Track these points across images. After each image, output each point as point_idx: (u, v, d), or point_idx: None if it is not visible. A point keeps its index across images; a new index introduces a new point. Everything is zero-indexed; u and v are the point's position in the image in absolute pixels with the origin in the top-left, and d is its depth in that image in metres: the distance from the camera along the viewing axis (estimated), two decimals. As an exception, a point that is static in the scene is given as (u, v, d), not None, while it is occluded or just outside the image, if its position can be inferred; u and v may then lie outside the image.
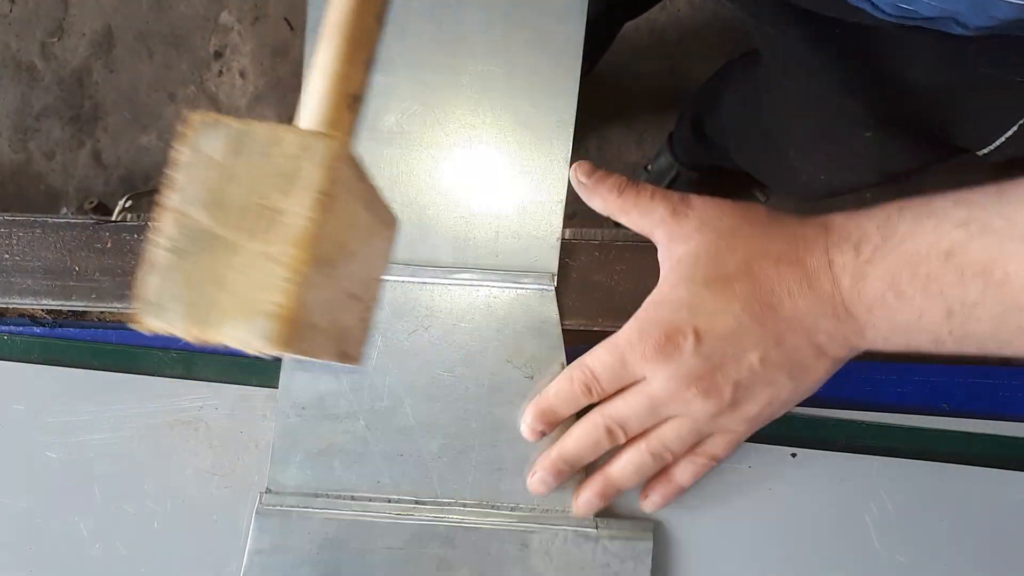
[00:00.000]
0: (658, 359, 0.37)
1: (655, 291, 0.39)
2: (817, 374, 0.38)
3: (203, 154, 0.28)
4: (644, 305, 0.39)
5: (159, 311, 0.29)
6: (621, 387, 0.40)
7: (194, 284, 0.28)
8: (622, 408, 0.39)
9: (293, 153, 0.27)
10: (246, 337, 0.28)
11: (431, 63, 0.44)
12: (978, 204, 0.34)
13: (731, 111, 0.86)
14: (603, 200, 0.42)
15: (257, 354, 0.28)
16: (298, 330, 0.27)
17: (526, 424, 0.42)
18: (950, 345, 0.36)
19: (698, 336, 0.37)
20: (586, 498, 0.42)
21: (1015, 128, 0.48)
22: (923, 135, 0.54)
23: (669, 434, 0.40)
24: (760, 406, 0.38)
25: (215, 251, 0.28)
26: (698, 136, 1.00)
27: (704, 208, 0.39)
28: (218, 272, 0.28)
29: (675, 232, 0.39)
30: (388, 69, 0.44)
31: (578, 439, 0.41)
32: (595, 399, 0.40)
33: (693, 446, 0.41)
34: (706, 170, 1.10)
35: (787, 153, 0.67)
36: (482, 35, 0.44)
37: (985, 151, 0.50)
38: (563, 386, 0.40)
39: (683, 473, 0.42)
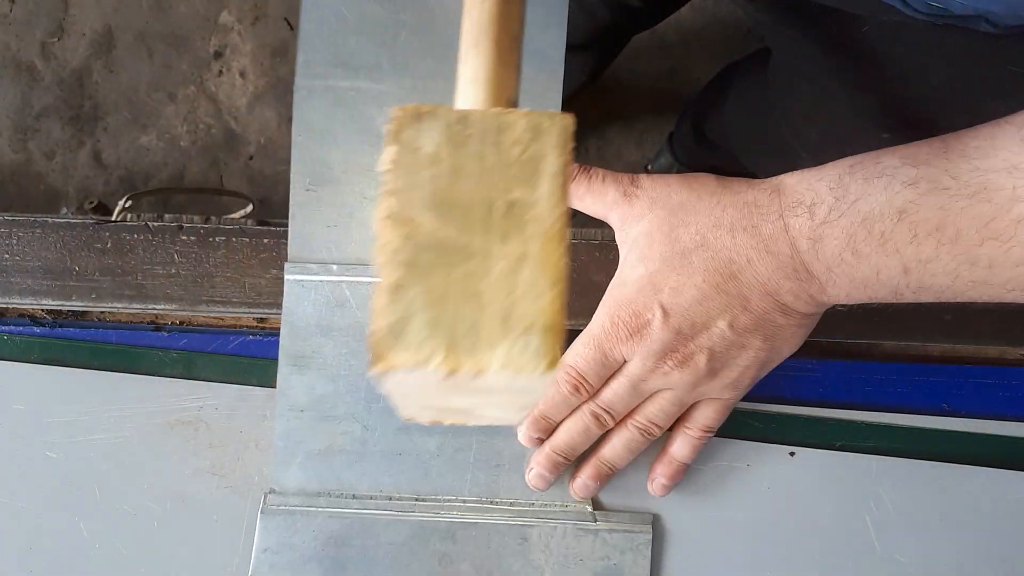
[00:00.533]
0: (632, 340, 0.38)
1: (616, 274, 0.39)
2: (789, 331, 0.39)
3: (419, 150, 0.24)
4: (608, 290, 0.39)
5: (406, 343, 0.23)
6: (608, 377, 0.40)
7: (442, 304, 0.23)
8: (606, 394, 0.40)
9: (526, 138, 0.24)
10: (518, 360, 0.23)
11: (419, 70, 0.45)
12: (925, 161, 0.34)
13: (735, 114, 0.86)
14: None
15: (527, 377, 0.23)
16: (563, 341, 0.23)
17: (522, 434, 0.42)
18: (909, 296, 0.37)
19: (665, 311, 0.37)
20: (582, 481, 0.42)
21: None
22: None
23: (653, 409, 0.40)
24: (739, 370, 0.39)
25: (459, 261, 0.23)
26: (699, 138, 0.99)
27: (653, 186, 0.39)
28: (469, 285, 0.23)
29: (628, 213, 0.39)
30: (376, 76, 0.45)
31: (568, 431, 0.41)
32: (585, 397, 0.40)
33: (681, 418, 0.41)
34: (707, 171, 1.10)
35: (799, 156, 0.67)
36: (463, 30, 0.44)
37: None
38: (551, 393, 0.40)
39: (680, 449, 0.42)
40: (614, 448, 0.42)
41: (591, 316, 0.45)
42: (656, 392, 0.40)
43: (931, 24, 0.42)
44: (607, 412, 0.40)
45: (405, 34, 0.45)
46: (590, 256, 0.46)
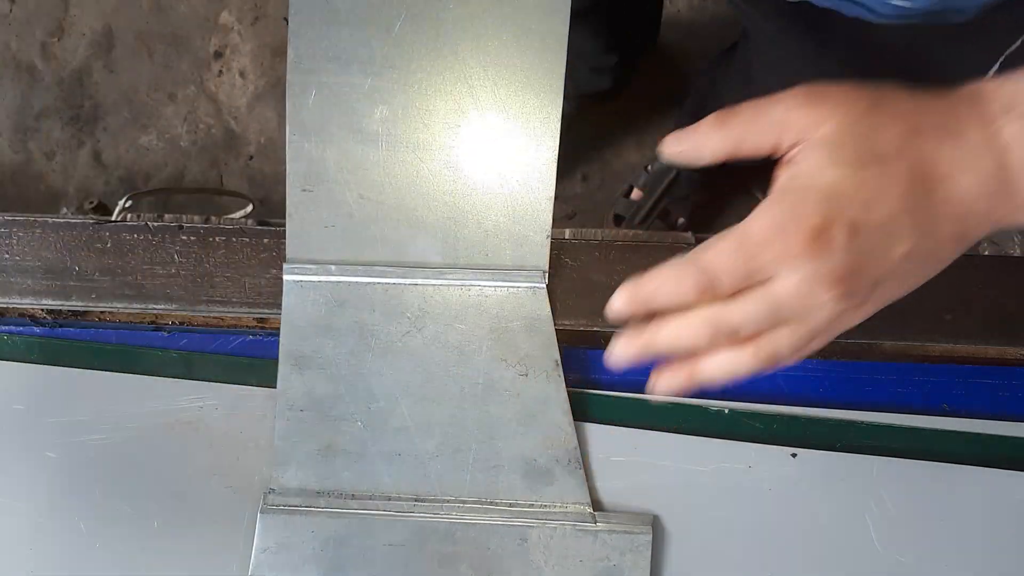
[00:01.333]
0: (803, 257, 0.31)
1: (788, 178, 0.32)
2: (943, 265, 0.34)
3: None
4: (777, 194, 0.32)
5: None
6: (743, 288, 0.33)
7: None
8: (737, 315, 0.33)
9: None
10: None
11: (414, 62, 0.44)
12: None
13: (727, 99, 0.87)
14: (710, 148, 0.35)
15: None
16: None
17: (614, 305, 0.35)
18: None
19: (854, 229, 0.31)
20: (669, 381, 0.36)
21: (996, 66, 0.47)
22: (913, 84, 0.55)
23: (784, 341, 0.33)
24: (877, 307, 0.34)
25: None
26: None
27: (830, 89, 0.33)
28: None
29: (808, 118, 0.32)
30: (371, 70, 0.44)
31: (676, 336, 0.34)
32: (706, 302, 0.34)
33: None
34: (705, 173, 1.10)
35: None
36: (465, 32, 0.43)
37: None
38: (669, 283, 0.33)
39: (731, 361, 0.35)
40: (720, 367, 0.35)
41: (590, 316, 0.45)
42: (791, 321, 0.33)
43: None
44: (730, 335, 0.33)
45: (400, 24, 0.43)
46: (589, 256, 0.46)
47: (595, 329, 0.45)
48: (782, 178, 0.33)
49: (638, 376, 0.46)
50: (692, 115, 1.00)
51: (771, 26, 0.58)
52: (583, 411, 0.45)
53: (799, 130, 0.32)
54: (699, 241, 0.46)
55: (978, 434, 0.45)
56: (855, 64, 0.53)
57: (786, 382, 0.46)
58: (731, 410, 0.45)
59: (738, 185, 1.15)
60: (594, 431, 0.45)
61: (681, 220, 1.12)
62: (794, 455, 0.45)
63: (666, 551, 0.44)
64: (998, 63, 0.47)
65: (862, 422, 0.45)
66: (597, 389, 0.46)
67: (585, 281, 0.45)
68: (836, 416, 0.45)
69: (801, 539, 0.44)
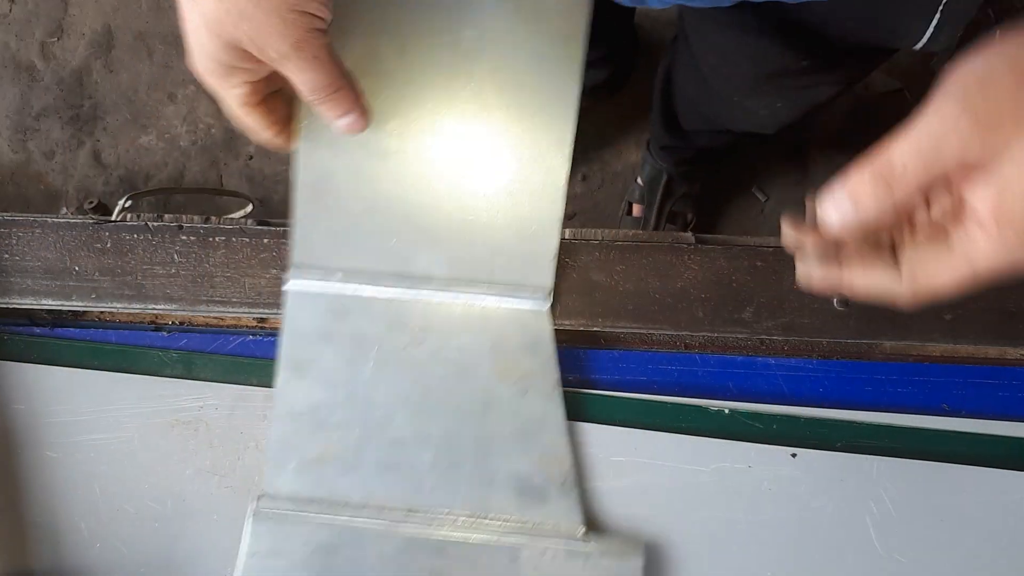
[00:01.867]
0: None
1: (999, 197, 0.30)
2: None
3: None
4: (999, 220, 0.30)
5: None
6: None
7: None
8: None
9: None
10: None
11: (429, 80, 0.43)
12: None
13: (686, 90, 0.88)
14: (886, 211, 0.32)
15: None
16: None
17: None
18: None
19: None
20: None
21: (938, 14, 0.48)
22: (857, 47, 0.56)
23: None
24: None
25: None
26: (675, 132, 0.99)
27: (1000, 97, 0.29)
28: None
29: (994, 143, 0.30)
30: (387, 84, 0.43)
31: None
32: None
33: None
34: (692, 164, 1.09)
35: (740, 103, 0.69)
36: (482, 54, 0.43)
37: (920, 44, 0.50)
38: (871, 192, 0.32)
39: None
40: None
41: (590, 316, 0.45)
42: None
43: None
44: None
45: (413, 40, 0.43)
46: (590, 256, 0.46)
47: (595, 329, 0.45)
48: (991, 198, 0.31)
49: (638, 376, 0.47)
50: (663, 113, 0.99)
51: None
52: (583, 411, 0.45)
53: (981, 156, 0.30)
54: (700, 242, 0.46)
55: (978, 434, 0.45)
56: (787, 27, 0.54)
57: (786, 382, 0.46)
58: (731, 410, 0.45)
59: (736, 185, 1.15)
60: (593, 431, 0.45)
61: (691, 216, 1.11)
62: (794, 455, 0.45)
63: (666, 551, 0.44)
64: (938, 11, 0.48)
65: (862, 422, 0.45)
66: (596, 389, 0.46)
67: (585, 281, 0.45)
68: (836, 416, 0.45)
69: (801, 539, 0.44)
